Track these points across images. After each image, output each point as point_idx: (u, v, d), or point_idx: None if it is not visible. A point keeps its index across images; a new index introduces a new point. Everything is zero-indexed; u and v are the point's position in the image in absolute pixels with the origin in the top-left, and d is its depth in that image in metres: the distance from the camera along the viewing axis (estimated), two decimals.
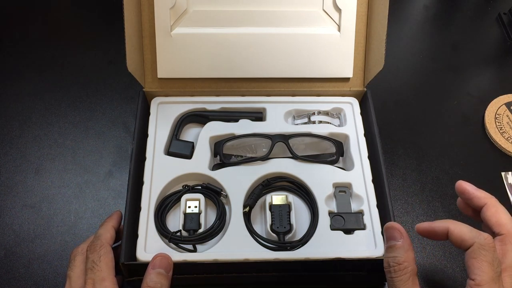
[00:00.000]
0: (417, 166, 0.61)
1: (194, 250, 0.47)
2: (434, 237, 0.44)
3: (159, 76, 0.55)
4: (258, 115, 0.56)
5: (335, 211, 0.50)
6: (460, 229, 0.40)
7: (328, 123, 0.56)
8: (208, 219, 0.50)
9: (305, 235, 0.48)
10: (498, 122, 0.64)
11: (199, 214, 0.49)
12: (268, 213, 0.49)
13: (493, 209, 0.43)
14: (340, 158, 0.55)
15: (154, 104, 0.56)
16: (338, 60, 0.56)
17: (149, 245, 0.46)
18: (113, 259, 0.42)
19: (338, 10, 0.54)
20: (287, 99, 0.57)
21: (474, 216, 0.46)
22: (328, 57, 0.55)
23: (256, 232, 0.48)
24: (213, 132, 0.54)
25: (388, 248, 0.41)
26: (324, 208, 0.49)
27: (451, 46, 0.75)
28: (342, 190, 0.51)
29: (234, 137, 0.53)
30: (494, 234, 0.42)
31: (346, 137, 0.55)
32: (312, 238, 0.47)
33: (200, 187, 0.51)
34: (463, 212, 0.47)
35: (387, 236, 0.42)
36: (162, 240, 0.47)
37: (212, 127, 0.54)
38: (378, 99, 0.58)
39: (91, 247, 0.42)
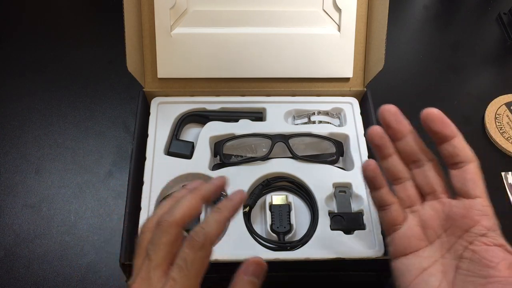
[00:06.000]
0: None
1: None
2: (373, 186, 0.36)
3: (159, 76, 0.55)
4: (258, 115, 0.56)
5: (335, 211, 0.50)
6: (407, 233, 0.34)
7: (328, 123, 0.56)
8: None
9: (305, 235, 0.48)
10: (498, 122, 0.64)
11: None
12: (268, 213, 0.49)
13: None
14: (340, 158, 0.55)
15: (154, 104, 0.56)
16: (338, 60, 0.56)
17: None
18: (207, 266, 0.32)
19: (338, 10, 0.54)
20: (287, 99, 0.57)
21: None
22: (328, 57, 0.55)
23: (256, 232, 0.48)
24: (213, 132, 0.54)
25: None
26: (324, 208, 0.49)
27: (451, 46, 0.75)
28: (342, 190, 0.51)
29: (234, 137, 0.53)
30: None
31: (346, 137, 0.55)
32: (312, 238, 0.47)
33: None
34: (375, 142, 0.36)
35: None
36: None
37: (212, 127, 0.54)
38: (378, 99, 0.58)
39: (192, 239, 0.32)
